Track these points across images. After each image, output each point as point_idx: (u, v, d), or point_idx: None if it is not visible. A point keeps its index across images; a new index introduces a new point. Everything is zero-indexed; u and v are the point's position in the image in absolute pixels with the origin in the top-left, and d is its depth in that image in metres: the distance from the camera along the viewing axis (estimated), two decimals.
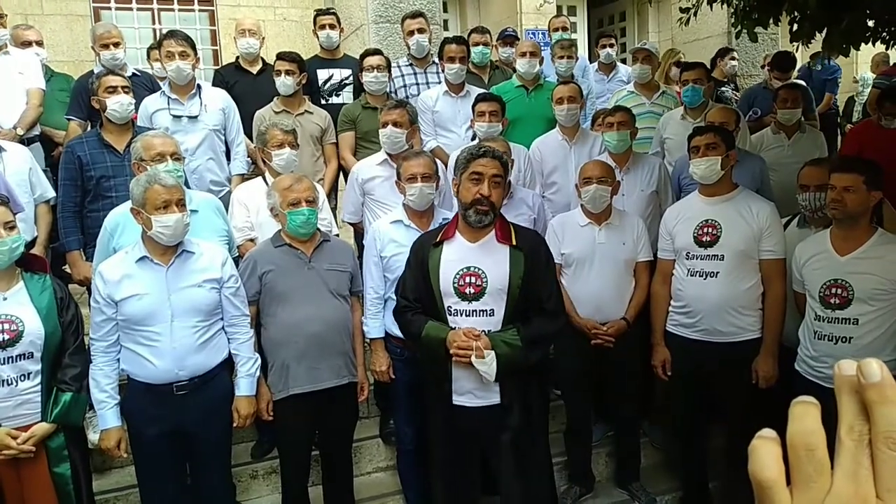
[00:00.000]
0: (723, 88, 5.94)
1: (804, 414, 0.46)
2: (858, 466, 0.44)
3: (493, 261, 2.59)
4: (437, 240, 2.69)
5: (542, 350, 2.63)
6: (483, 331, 2.56)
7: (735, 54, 6.03)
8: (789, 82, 4.84)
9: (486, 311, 2.60)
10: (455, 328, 2.59)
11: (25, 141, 3.95)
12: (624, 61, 6.42)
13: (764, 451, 0.47)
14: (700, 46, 6.99)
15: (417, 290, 2.71)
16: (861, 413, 0.45)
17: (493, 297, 2.59)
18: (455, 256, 2.64)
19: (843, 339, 2.79)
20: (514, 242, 2.60)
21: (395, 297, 3.06)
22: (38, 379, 2.47)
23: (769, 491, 0.46)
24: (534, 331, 2.57)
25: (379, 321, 3.12)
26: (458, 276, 2.61)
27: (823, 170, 3.08)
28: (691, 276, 3.23)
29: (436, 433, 2.83)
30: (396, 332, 3.08)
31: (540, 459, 2.81)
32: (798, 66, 6.08)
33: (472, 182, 2.59)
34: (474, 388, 2.63)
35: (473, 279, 2.60)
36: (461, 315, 2.62)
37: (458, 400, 2.67)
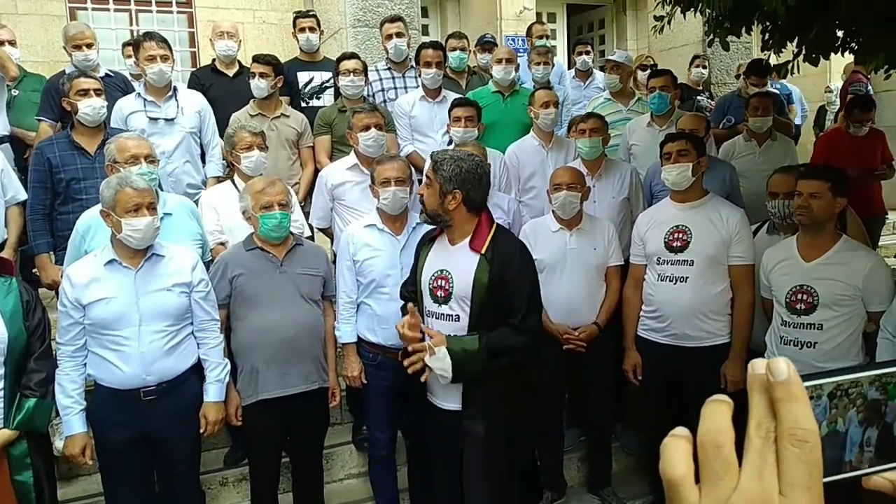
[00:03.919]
0: (698, 97, 6.02)
1: (714, 412, 0.47)
2: (764, 463, 0.45)
3: (461, 266, 2.59)
4: (432, 237, 2.74)
5: (503, 361, 2.54)
6: (446, 336, 2.55)
7: (704, 61, 6.11)
8: (760, 91, 4.91)
9: (452, 315, 2.61)
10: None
11: None
12: (602, 68, 6.48)
13: (673, 449, 0.48)
14: (676, 55, 7.07)
15: (413, 283, 2.77)
16: (770, 411, 0.46)
17: (458, 302, 2.60)
18: (434, 257, 2.68)
19: (809, 345, 2.83)
20: (483, 251, 2.57)
21: (366, 303, 3.09)
22: (1, 384, 2.43)
23: (678, 488, 0.47)
24: (495, 340, 2.52)
25: (351, 326, 3.11)
26: (433, 278, 2.65)
27: (792, 177, 3.12)
28: (662, 280, 3.27)
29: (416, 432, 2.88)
30: (369, 337, 3.09)
31: (502, 469, 2.70)
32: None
33: None
34: (443, 389, 2.65)
35: (443, 282, 2.62)
36: (433, 317, 2.65)
37: (430, 398, 2.73)
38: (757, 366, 0.47)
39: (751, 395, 0.47)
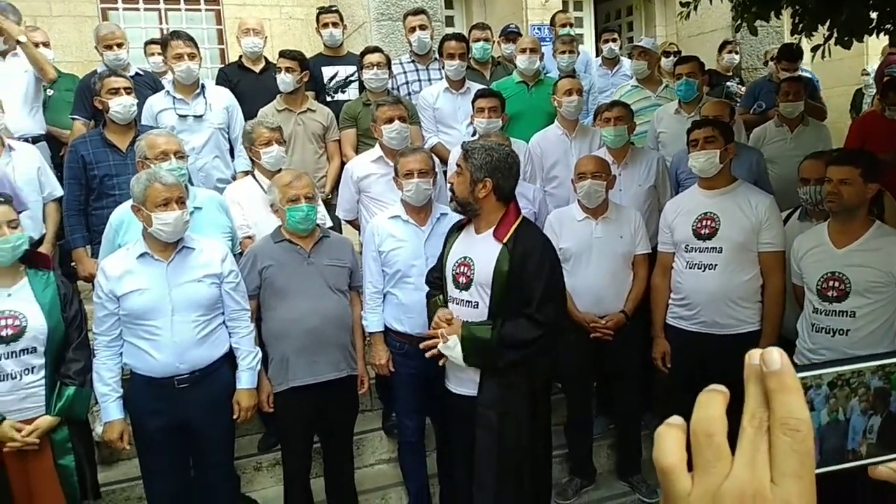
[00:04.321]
0: (728, 83, 5.92)
1: (708, 402, 0.48)
2: (756, 452, 0.45)
3: (484, 255, 2.63)
4: (461, 225, 2.80)
5: (518, 354, 2.57)
6: (466, 321, 2.62)
7: (735, 47, 5.99)
8: (791, 75, 4.81)
9: (471, 302, 2.67)
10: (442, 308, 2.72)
11: (31, 140, 4.02)
12: (630, 56, 6.41)
13: (666, 437, 0.48)
14: (705, 40, 6.95)
15: (438, 270, 2.84)
16: (764, 401, 0.46)
17: (477, 290, 2.64)
18: (460, 245, 2.74)
19: (841, 332, 2.78)
20: (505, 240, 2.60)
21: (392, 292, 3.13)
22: (42, 373, 2.53)
23: (671, 476, 0.47)
24: (509, 331, 2.55)
25: (378, 315, 3.15)
26: (456, 264, 2.70)
27: (823, 163, 3.07)
28: (690, 268, 3.24)
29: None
30: (396, 326, 3.13)
31: (516, 463, 2.69)
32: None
33: None
34: (458, 376, 2.72)
35: (465, 269, 2.67)
36: (454, 302, 2.72)
37: (447, 384, 2.80)
38: (754, 356, 0.48)
39: (747, 386, 0.47)
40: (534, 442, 2.70)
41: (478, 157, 2.61)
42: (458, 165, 2.68)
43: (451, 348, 2.58)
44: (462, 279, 2.68)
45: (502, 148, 2.70)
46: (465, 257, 2.69)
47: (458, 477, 2.89)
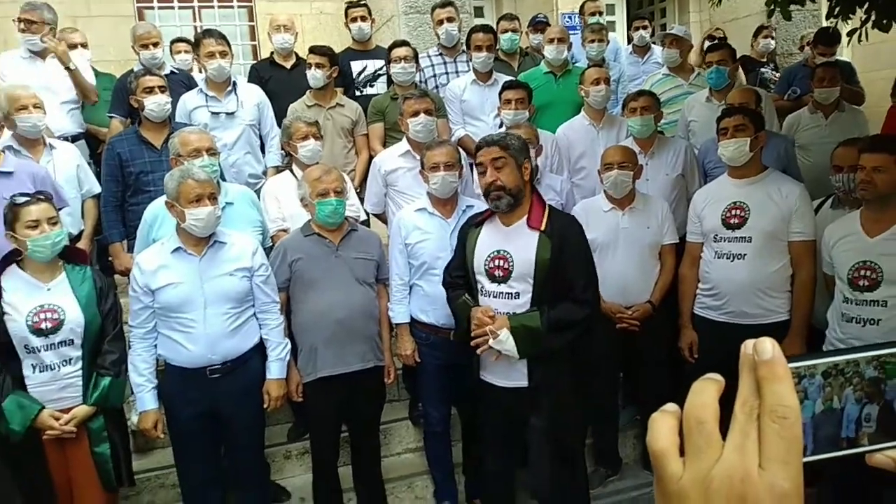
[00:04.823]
0: (762, 69, 5.79)
1: (701, 390, 0.50)
2: (746, 438, 0.47)
3: (521, 245, 2.65)
4: (478, 221, 2.80)
5: (567, 336, 2.63)
6: (506, 313, 2.62)
7: (770, 32, 5.85)
8: (826, 60, 4.69)
9: (511, 293, 2.67)
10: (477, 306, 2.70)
11: (70, 138, 4.15)
12: (662, 43, 6.32)
13: (660, 423, 0.51)
14: (740, 25, 6.81)
15: (459, 268, 2.84)
16: (755, 390, 0.48)
17: (518, 281, 2.65)
18: (489, 239, 2.74)
19: (871, 322, 2.73)
20: (543, 228, 2.64)
21: (418, 284, 3.16)
22: (79, 364, 2.63)
23: (663, 460, 0.49)
24: (557, 315, 2.60)
25: (404, 307, 3.20)
26: (489, 259, 2.70)
27: (856, 150, 3.00)
28: (718, 258, 3.21)
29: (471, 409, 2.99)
30: (422, 317, 3.17)
31: (571, 443, 2.84)
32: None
33: (480, 174, 2.70)
34: (500, 368, 2.71)
35: (502, 262, 2.68)
36: (490, 296, 2.72)
37: (484, 376, 2.79)
38: (749, 346, 0.49)
39: (741, 374, 0.49)
40: (581, 424, 2.79)
41: (513, 142, 2.68)
42: (497, 158, 2.63)
43: (504, 342, 2.58)
44: (499, 272, 2.68)
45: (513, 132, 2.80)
46: (499, 251, 2.69)
47: (491, 468, 2.92)
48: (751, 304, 3.13)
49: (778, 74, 5.70)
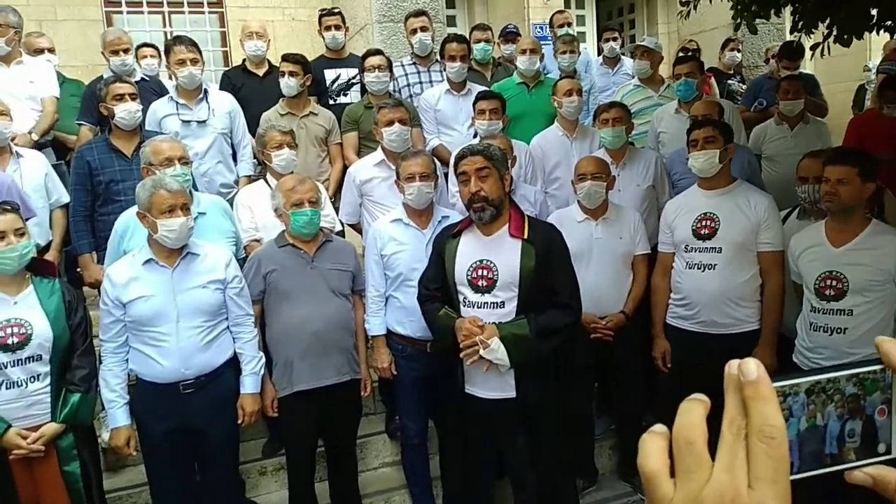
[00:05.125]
0: (729, 81, 5.92)
1: (689, 410, 0.51)
2: (734, 458, 0.48)
3: (504, 254, 2.66)
4: (455, 231, 2.79)
5: (554, 342, 2.65)
6: (493, 322, 2.63)
7: (737, 45, 5.99)
8: (790, 73, 4.81)
9: (496, 303, 2.67)
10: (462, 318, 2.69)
11: (38, 145, 4.06)
12: (632, 55, 6.42)
13: (650, 444, 0.52)
14: (707, 38, 6.95)
15: (436, 280, 2.81)
16: (742, 409, 0.49)
17: (503, 290, 2.66)
18: (469, 249, 2.73)
19: (838, 331, 2.80)
20: (525, 236, 2.65)
21: (395, 296, 3.15)
22: (48, 380, 2.56)
23: (654, 481, 0.50)
24: (544, 322, 2.62)
25: (380, 319, 3.18)
26: (471, 269, 2.70)
27: (821, 161, 3.08)
28: (689, 268, 3.26)
29: (449, 421, 2.97)
30: (398, 329, 3.16)
31: (557, 451, 2.85)
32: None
33: (462, 184, 2.70)
34: (486, 379, 2.70)
35: (485, 272, 2.67)
36: (474, 307, 2.71)
37: (470, 389, 2.77)
38: (733, 366, 0.50)
39: (726, 394, 0.50)
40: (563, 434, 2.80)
41: (496, 152, 2.71)
42: (482, 168, 2.64)
43: (496, 351, 2.57)
44: (483, 282, 2.67)
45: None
46: (482, 260, 2.68)
47: (474, 480, 2.92)
48: (721, 314, 3.18)
49: (744, 86, 5.84)
